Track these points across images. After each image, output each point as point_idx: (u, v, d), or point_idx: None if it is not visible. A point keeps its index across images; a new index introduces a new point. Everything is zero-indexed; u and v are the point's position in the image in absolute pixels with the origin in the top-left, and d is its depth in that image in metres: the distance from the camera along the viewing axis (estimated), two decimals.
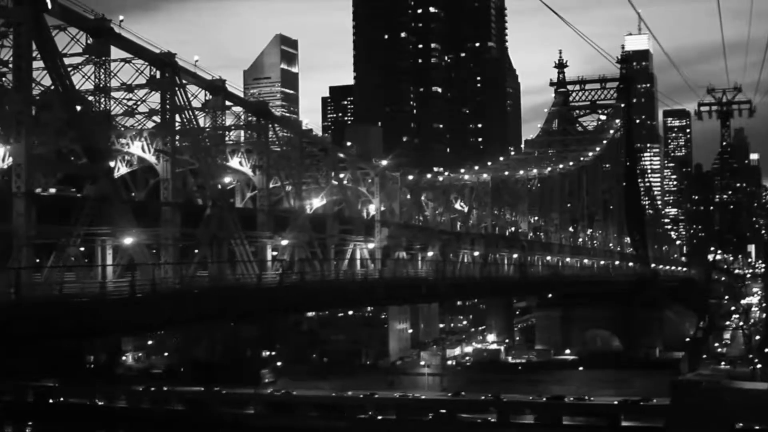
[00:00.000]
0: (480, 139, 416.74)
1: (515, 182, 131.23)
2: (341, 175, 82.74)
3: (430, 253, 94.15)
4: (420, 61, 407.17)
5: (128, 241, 52.64)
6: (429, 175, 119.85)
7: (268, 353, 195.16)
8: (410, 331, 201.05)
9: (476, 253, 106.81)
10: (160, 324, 53.62)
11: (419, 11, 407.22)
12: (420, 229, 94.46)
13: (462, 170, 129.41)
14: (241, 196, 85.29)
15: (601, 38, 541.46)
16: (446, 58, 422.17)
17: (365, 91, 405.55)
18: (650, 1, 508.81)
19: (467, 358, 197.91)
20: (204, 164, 61.00)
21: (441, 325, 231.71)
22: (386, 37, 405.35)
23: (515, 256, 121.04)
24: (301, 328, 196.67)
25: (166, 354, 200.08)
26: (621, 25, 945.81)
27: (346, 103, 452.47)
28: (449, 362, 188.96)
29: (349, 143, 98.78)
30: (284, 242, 68.30)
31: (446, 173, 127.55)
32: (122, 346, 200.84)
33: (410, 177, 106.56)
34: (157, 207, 58.29)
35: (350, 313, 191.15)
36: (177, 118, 59.15)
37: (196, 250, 62.69)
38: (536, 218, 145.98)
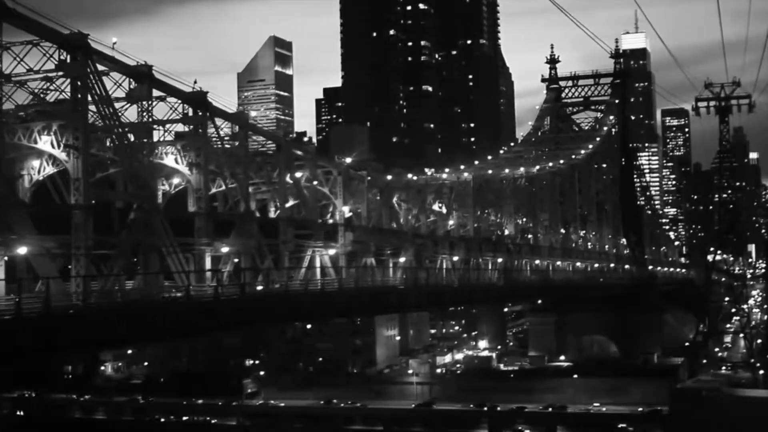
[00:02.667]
0: (473, 139, 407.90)
1: (500, 182, 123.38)
2: (298, 174, 75.01)
3: (402, 259, 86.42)
4: (410, 59, 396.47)
5: (23, 250, 45.11)
6: (410, 175, 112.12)
7: (251, 362, 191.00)
8: (398, 338, 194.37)
9: (455, 258, 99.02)
10: (48, 348, 45.73)
11: (408, 8, 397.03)
12: (391, 232, 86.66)
13: (447, 170, 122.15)
14: (194, 198, 77.85)
15: (601, 37, 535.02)
16: (437, 56, 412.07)
17: (354, 91, 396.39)
18: (649, 2, 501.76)
19: (458, 365, 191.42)
20: (127, 162, 53.39)
21: (432, 331, 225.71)
22: (374, 34, 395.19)
23: (500, 260, 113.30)
24: (285, 337, 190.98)
25: (146, 364, 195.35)
26: (618, 25, 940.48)
27: (339, 104, 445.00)
28: (439, 370, 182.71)
29: (308, 139, 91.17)
30: (225, 249, 60.60)
31: (430, 172, 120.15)
32: (101, 355, 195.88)
33: (389, 177, 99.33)
34: (66, 211, 50.62)
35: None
36: (94, 109, 51.50)
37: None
38: (524, 220, 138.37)
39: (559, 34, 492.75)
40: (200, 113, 59.84)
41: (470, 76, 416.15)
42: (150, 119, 56.83)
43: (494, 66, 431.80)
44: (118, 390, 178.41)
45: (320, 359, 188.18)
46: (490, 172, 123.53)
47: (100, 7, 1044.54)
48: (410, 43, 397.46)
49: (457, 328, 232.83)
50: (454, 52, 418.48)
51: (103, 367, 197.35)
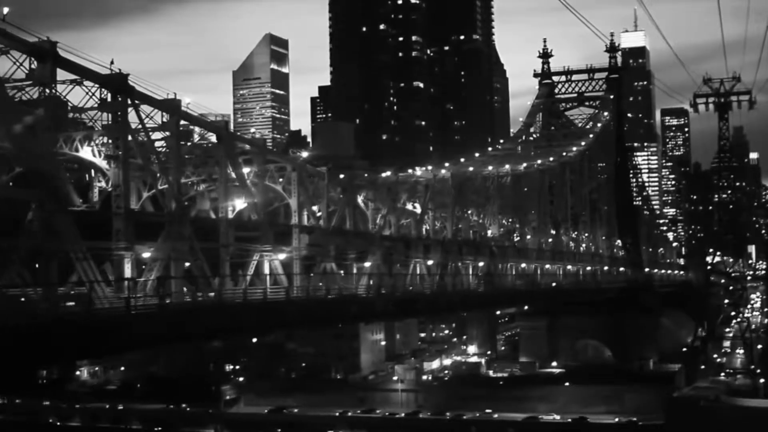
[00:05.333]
0: (465, 137, 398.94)
1: (483, 180, 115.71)
2: (246, 170, 67.46)
3: (367, 264, 78.80)
4: (400, 54, 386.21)
5: None
6: (387, 173, 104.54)
7: (231, 368, 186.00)
8: (383, 342, 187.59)
9: (430, 262, 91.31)
10: None
11: (399, 2, 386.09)
12: (355, 234, 79.05)
13: (429, 167, 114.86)
14: (137, 196, 70.41)
15: (596, 37, 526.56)
16: (428, 51, 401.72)
17: (343, 88, 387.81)
18: (648, 1, 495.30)
19: (446, 371, 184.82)
20: (25, 153, 45.91)
21: (422, 335, 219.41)
22: (364, 29, 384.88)
23: (481, 264, 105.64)
24: (266, 341, 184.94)
25: (122, 369, 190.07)
26: (617, 24, 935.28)
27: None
28: (425, 377, 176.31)
29: (248, 133, 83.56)
30: (146, 254, 53.03)
31: (415, 170, 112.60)
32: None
33: (364, 174, 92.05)
34: None
35: None
36: None
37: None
38: (510, 220, 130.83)
39: (557, 34, 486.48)
40: (120, 99, 52.18)
41: (463, 73, 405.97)
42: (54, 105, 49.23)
43: (488, 62, 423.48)
44: (93, 395, 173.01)
45: (303, 365, 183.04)
46: (471, 169, 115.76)
47: (99, 5, 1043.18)
48: (401, 39, 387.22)
49: (447, 331, 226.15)
50: (446, 48, 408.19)
51: (78, 372, 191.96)
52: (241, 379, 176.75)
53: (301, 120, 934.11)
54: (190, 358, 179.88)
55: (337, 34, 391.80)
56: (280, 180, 74.02)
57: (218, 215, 64.02)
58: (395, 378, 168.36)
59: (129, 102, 52.30)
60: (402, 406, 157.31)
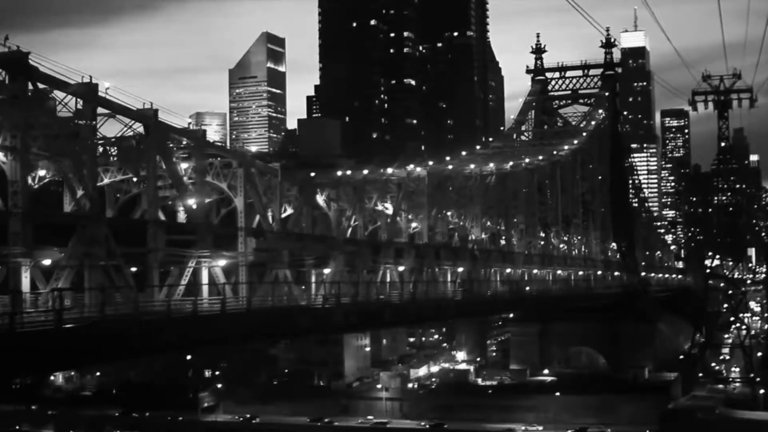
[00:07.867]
0: (458, 136, 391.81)
1: (465, 179, 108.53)
2: (183, 166, 60.30)
3: (326, 270, 71.57)
4: (392, 51, 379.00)
5: None
6: (361, 172, 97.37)
7: (210, 373, 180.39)
8: (368, 348, 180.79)
9: (401, 268, 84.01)
10: None
11: None
12: (314, 238, 71.81)
13: (413, 166, 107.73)
14: (71, 195, 63.27)
15: (596, 38, 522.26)
16: (421, 48, 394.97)
17: (332, 84, 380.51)
18: (649, 2, 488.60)
19: (432, 379, 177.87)
20: None
21: (411, 339, 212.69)
22: (354, 24, 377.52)
23: (460, 269, 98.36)
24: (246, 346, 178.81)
25: (98, 374, 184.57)
26: (618, 24, 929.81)
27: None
28: (410, 384, 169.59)
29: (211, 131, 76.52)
30: (47, 261, 45.82)
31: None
32: None
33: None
34: None
35: None
36: None
37: None
38: (499, 221, 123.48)
39: (556, 35, 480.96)
40: (18, 80, 45.00)
41: (456, 70, 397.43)
42: None
43: (482, 59, 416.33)
44: (67, 402, 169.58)
45: (285, 371, 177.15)
46: (450, 167, 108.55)
47: (100, 3, 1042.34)
48: (392, 34, 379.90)
49: (437, 336, 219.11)
50: (439, 45, 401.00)
51: (53, 377, 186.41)
52: (219, 385, 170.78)
53: (295, 118, 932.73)
54: (167, 364, 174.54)
55: (327, 30, 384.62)
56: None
57: (150, 216, 56.70)
58: (378, 386, 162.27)
59: (30, 85, 45.14)
60: (386, 415, 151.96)
